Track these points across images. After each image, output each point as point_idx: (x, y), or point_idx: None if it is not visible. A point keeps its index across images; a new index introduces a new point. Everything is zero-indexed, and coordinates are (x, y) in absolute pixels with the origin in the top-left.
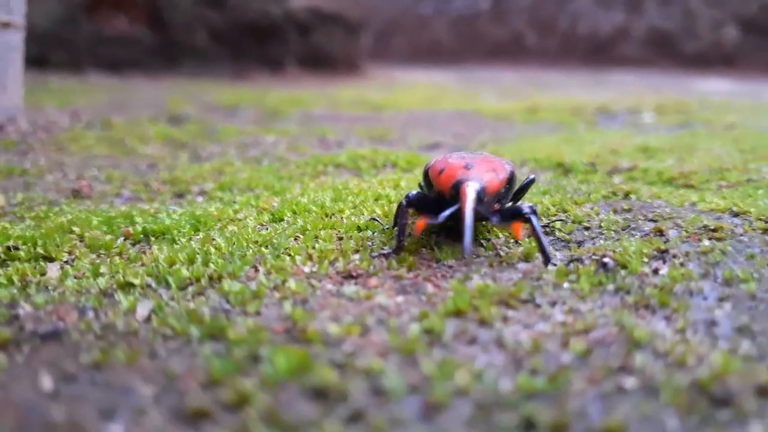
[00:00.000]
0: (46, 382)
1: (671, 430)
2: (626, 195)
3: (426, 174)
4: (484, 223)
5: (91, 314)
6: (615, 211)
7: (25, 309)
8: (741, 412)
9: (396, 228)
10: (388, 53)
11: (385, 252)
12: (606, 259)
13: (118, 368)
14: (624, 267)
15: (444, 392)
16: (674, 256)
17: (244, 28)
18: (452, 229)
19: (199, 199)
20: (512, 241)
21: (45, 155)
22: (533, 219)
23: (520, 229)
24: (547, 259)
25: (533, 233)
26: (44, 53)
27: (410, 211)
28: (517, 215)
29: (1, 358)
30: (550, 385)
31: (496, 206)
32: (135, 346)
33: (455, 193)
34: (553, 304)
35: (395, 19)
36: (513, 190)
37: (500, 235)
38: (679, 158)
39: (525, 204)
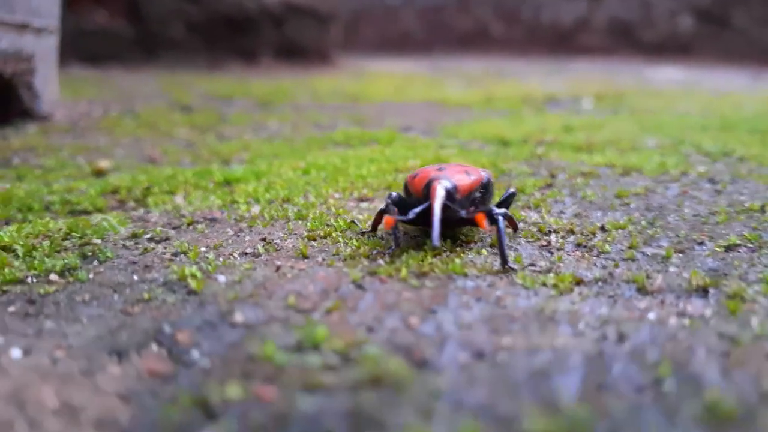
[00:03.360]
0: (230, 231)
1: (523, 246)
2: (539, 157)
3: (406, 184)
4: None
5: (225, 213)
6: (528, 166)
7: (184, 212)
8: (556, 233)
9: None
10: (357, 43)
11: (387, 251)
12: (512, 189)
13: (261, 228)
14: (522, 191)
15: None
16: (554, 186)
17: (219, 21)
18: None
19: (243, 164)
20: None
21: (101, 137)
22: (500, 221)
23: (484, 219)
24: (504, 262)
25: (497, 235)
26: None
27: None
28: (487, 214)
29: (200, 226)
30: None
31: (471, 209)
32: (264, 221)
33: (427, 193)
34: None
35: (363, 9)
36: (490, 196)
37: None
38: (589, 133)
39: (499, 209)
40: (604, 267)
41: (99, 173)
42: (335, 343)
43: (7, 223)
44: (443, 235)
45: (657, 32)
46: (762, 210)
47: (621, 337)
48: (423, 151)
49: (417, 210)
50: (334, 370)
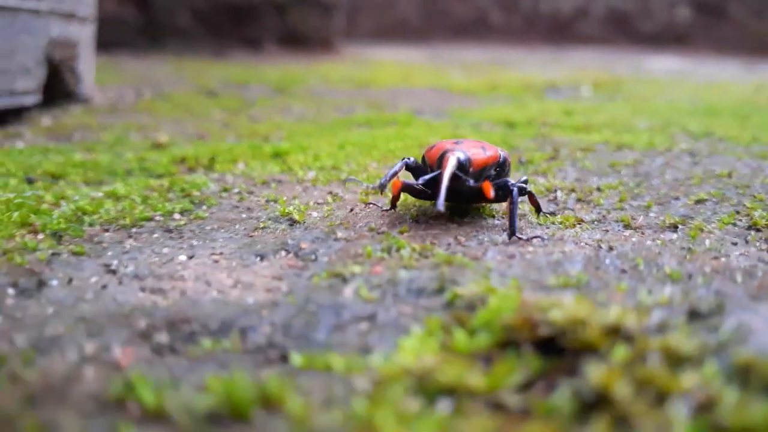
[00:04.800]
0: (299, 188)
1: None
2: (544, 136)
3: (423, 157)
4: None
5: (288, 177)
6: (534, 143)
7: (253, 176)
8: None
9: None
10: (356, 31)
11: (378, 205)
12: (522, 159)
13: (323, 186)
14: (530, 162)
15: None
16: (558, 158)
17: (224, 9)
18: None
19: (282, 141)
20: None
21: (143, 117)
22: (515, 192)
23: (490, 188)
24: (512, 233)
25: (509, 206)
26: None
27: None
28: (503, 187)
29: (272, 185)
30: None
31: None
32: (322, 182)
33: (440, 163)
34: None
35: None
36: (506, 176)
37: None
38: (587, 117)
39: (515, 182)
40: (599, 213)
41: (159, 146)
42: (413, 246)
43: (100, 184)
44: (455, 208)
45: (654, 22)
46: (729, 176)
47: (611, 248)
48: (440, 130)
49: (427, 177)
50: (417, 259)
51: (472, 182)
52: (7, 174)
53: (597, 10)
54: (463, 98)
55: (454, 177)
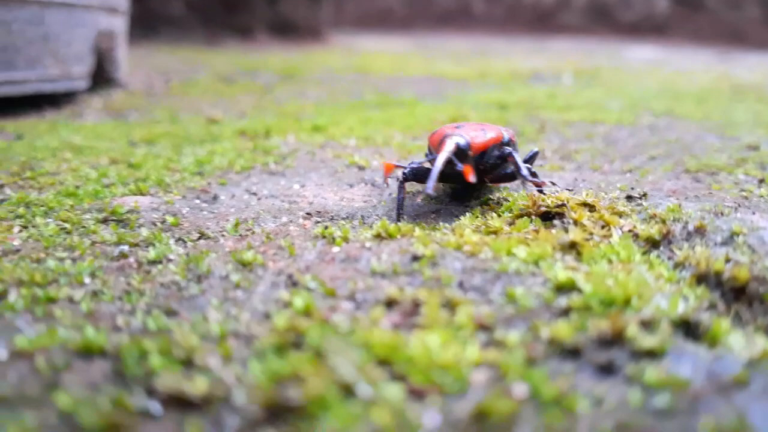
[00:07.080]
0: (349, 150)
1: None
2: (532, 115)
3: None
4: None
5: (335, 144)
6: (525, 119)
7: (307, 142)
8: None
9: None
10: (341, 20)
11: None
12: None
13: (365, 149)
14: (523, 133)
15: None
16: (545, 131)
17: None
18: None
19: (313, 119)
20: None
21: (181, 100)
22: (512, 153)
23: (470, 173)
24: (527, 178)
25: (513, 164)
26: None
27: (406, 186)
28: (500, 156)
29: (327, 148)
30: None
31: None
32: (363, 147)
33: (440, 148)
34: None
35: None
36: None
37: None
38: (568, 99)
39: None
40: (576, 165)
41: (214, 121)
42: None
43: (185, 148)
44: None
45: (634, 13)
46: (676, 141)
47: (584, 180)
48: (445, 110)
49: (416, 163)
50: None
51: (460, 166)
52: (114, 139)
53: (578, 0)
54: (457, 85)
55: (448, 162)
